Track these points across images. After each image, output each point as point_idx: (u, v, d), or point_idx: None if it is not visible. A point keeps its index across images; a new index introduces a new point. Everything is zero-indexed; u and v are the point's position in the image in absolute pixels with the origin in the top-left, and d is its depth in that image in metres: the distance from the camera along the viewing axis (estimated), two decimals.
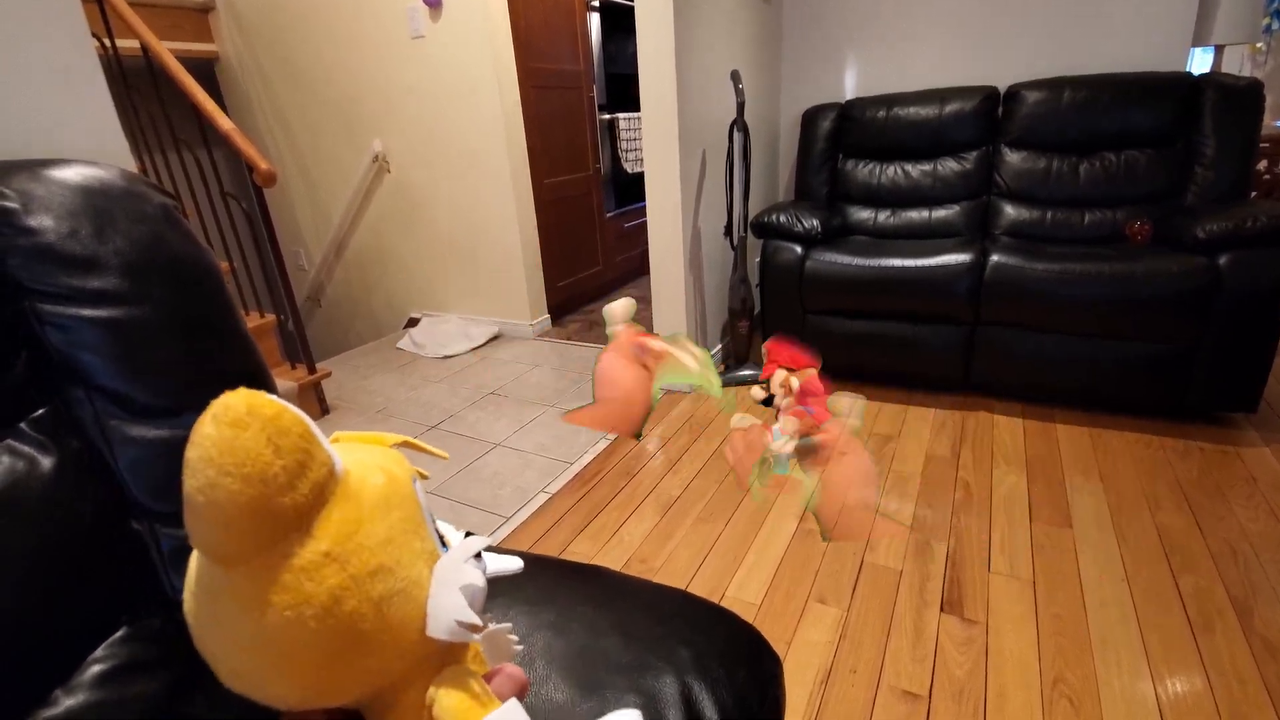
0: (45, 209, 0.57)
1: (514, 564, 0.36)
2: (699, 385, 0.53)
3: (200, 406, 0.64)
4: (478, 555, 0.36)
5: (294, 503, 0.27)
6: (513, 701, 0.33)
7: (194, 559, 0.29)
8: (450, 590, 0.32)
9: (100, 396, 0.58)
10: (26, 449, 0.54)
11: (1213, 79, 2.09)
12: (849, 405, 0.52)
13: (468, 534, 0.39)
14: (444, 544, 0.36)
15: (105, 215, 0.60)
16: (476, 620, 0.31)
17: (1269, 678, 1.11)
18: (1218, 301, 1.73)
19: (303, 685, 0.29)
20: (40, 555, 0.52)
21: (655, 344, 0.54)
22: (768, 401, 0.55)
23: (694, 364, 0.53)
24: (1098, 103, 2.19)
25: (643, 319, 3.23)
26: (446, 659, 0.34)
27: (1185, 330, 1.79)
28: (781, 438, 0.53)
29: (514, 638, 0.37)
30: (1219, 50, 2.48)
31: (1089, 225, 2.21)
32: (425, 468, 0.39)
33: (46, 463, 0.54)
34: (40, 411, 0.56)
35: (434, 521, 0.35)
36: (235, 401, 0.26)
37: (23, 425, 0.55)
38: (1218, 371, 1.79)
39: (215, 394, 0.64)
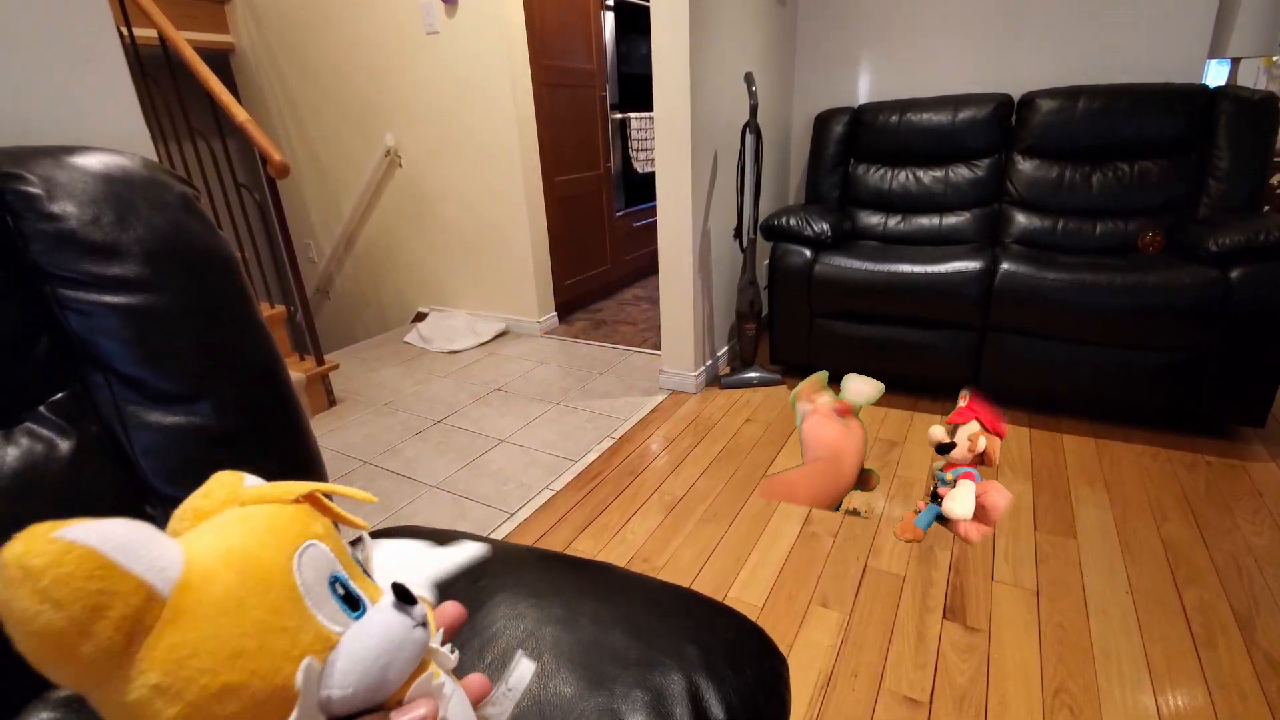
0: (68, 195, 0.58)
1: (478, 550, 0.35)
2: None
3: (215, 394, 0.65)
4: (408, 601, 0.33)
5: (96, 648, 0.25)
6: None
7: None
8: (309, 712, 0.29)
9: (118, 381, 0.59)
10: (46, 432, 0.54)
11: (1228, 91, 2.08)
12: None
13: (396, 586, 0.37)
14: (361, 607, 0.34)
15: (126, 203, 0.60)
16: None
17: (1270, 693, 1.10)
18: (1228, 314, 1.72)
19: None
20: None
21: (840, 402, 0.53)
22: (945, 448, 0.53)
23: (871, 389, 0.53)
24: (1112, 112, 2.18)
25: (649, 319, 3.23)
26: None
27: (1194, 342, 1.78)
28: (957, 499, 0.51)
29: (453, 656, 0.36)
30: (1235, 63, 2.47)
31: (1100, 235, 2.20)
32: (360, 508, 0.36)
33: (65, 446, 0.55)
34: (60, 395, 0.57)
35: (341, 584, 0.33)
36: (6, 557, 0.24)
37: (42, 408, 0.55)
38: (1226, 385, 1.79)
39: (229, 382, 0.65)
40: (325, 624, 0.31)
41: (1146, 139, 2.16)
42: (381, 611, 0.33)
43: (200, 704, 0.26)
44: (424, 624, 0.33)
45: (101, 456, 0.58)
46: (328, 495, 0.37)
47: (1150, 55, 2.30)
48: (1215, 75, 2.46)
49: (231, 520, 0.32)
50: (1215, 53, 2.31)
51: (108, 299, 0.58)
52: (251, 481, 0.36)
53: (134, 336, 0.59)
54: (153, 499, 0.61)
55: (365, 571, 0.36)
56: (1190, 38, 2.25)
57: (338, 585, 0.33)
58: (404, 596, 0.33)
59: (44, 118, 0.72)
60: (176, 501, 0.63)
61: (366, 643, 0.31)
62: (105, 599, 0.25)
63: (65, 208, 0.57)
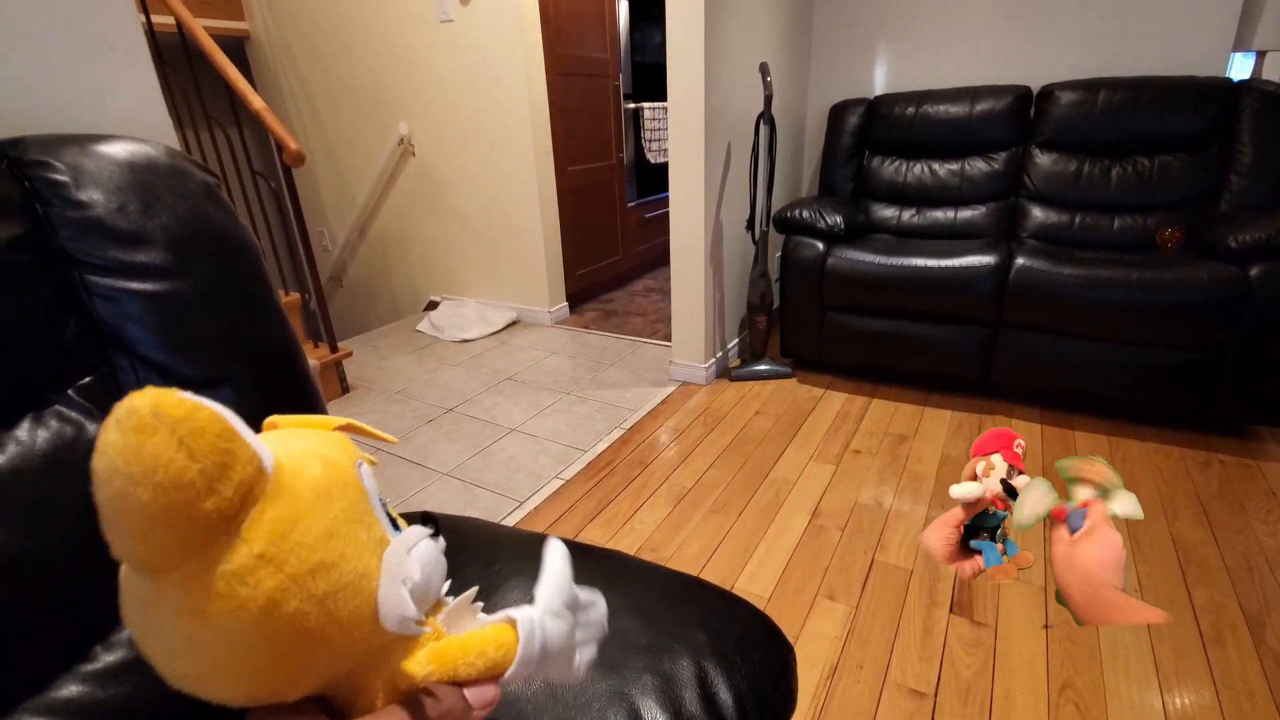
0: (95, 183, 0.59)
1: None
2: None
3: (237, 378, 0.66)
4: (434, 534, 0.35)
5: (217, 507, 0.25)
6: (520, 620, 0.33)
7: (122, 567, 0.28)
8: (393, 584, 0.31)
9: (144, 366, 0.60)
10: (74, 415, 0.56)
11: (1253, 85, 2.04)
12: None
13: (426, 515, 0.38)
14: (397, 528, 0.34)
15: (152, 191, 0.62)
16: (416, 615, 0.31)
17: (1279, 694, 1.10)
18: (1246, 312, 1.70)
19: (250, 685, 0.27)
20: (84, 518, 0.54)
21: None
22: (1010, 491, 0.51)
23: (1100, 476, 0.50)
24: (1133, 106, 2.15)
25: (660, 310, 3.23)
26: (411, 641, 0.32)
27: (1212, 340, 1.76)
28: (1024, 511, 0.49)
29: (478, 604, 0.35)
30: (1260, 56, 2.42)
31: (1119, 230, 2.18)
32: (380, 451, 0.37)
33: (93, 429, 0.56)
34: (87, 379, 0.58)
35: (384, 507, 0.34)
36: (140, 404, 0.24)
37: (71, 392, 0.57)
38: (1243, 383, 1.77)
39: (249, 368, 0.66)
40: (386, 529, 0.33)
41: (1168, 133, 2.13)
42: (419, 535, 0.34)
43: (298, 577, 0.27)
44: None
45: None
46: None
47: (1173, 48, 2.26)
48: (1240, 68, 2.42)
49: (288, 434, 0.34)
50: (1240, 45, 2.27)
51: (133, 285, 0.59)
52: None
53: (158, 322, 0.60)
54: None
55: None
56: (1215, 30, 2.21)
57: (383, 504, 0.35)
58: (433, 525, 0.36)
59: (70, 106, 0.73)
60: None
61: (422, 547, 0.33)
62: (230, 459, 0.26)
63: (92, 195, 0.58)
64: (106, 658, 0.55)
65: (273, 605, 0.26)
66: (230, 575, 0.26)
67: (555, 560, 0.36)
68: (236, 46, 3.33)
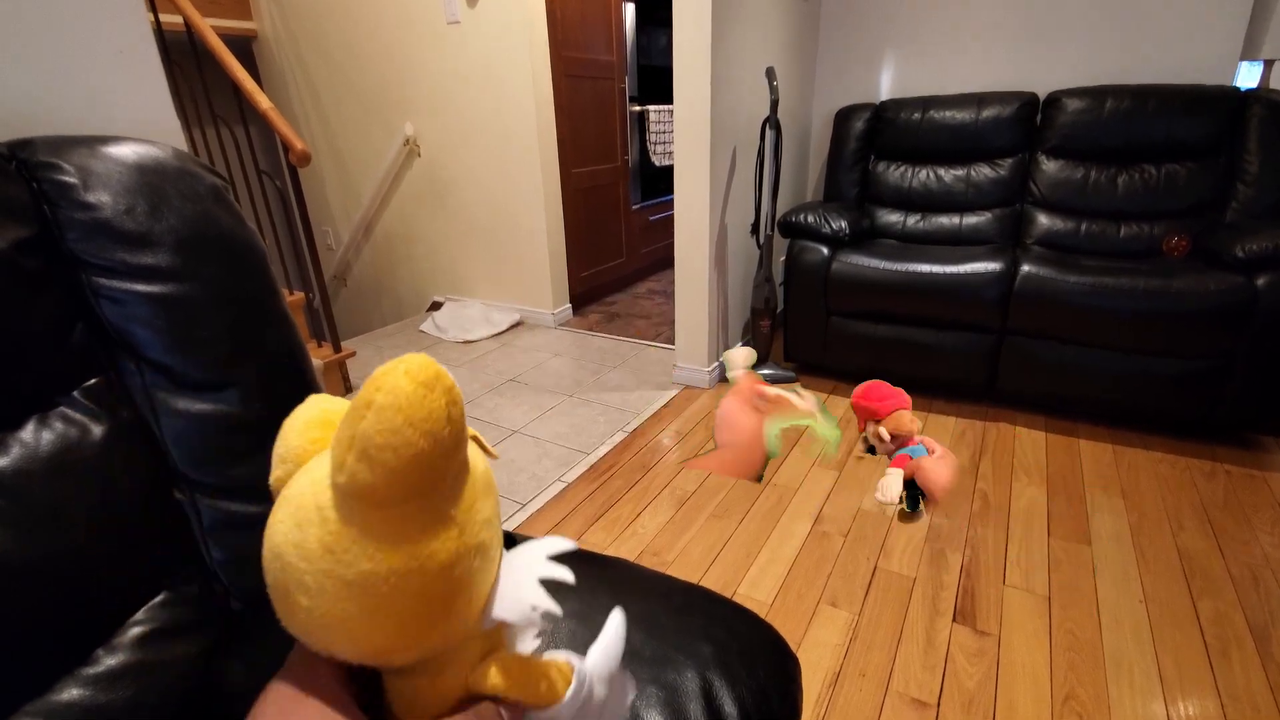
0: (103, 185, 0.59)
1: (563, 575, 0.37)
2: (813, 429, 0.54)
3: (242, 382, 0.66)
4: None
5: (448, 467, 0.29)
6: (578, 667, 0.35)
7: (308, 493, 0.30)
8: (530, 579, 0.34)
9: (149, 369, 0.60)
10: (79, 416, 0.56)
11: (1260, 94, 2.04)
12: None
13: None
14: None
15: (159, 193, 0.61)
16: (557, 608, 0.33)
17: None
18: (1253, 322, 1.70)
19: (388, 636, 0.30)
20: (89, 520, 0.54)
21: (771, 391, 0.54)
22: (871, 450, 0.55)
23: (806, 406, 0.55)
24: (1141, 113, 2.15)
25: (664, 313, 3.23)
26: (486, 642, 0.35)
27: (1218, 349, 1.75)
28: (892, 488, 0.53)
29: (538, 639, 0.38)
30: (1268, 65, 2.41)
31: (1125, 238, 2.17)
32: None
33: (98, 431, 0.56)
34: (93, 381, 0.58)
35: None
36: (427, 364, 0.29)
37: (76, 393, 0.57)
38: (1249, 393, 1.76)
39: (255, 371, 0.66)
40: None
41: (1175, 141, 2.13)
42: (556, 543, 0.36)
43: (470, 547, 0.31)
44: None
45: (133, 441, 0.59)
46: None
47: (1180, 56, 2.26)
48: (1247, 77, 2.41)
49: None
50: (1248, 54, 2.26)
51: (140, 287, 0.59)
52: None
53: (165, 325, 0.60)
54: (181, 484, 0.62)
55: None
56: (1222, 38, 2.20)
57: None
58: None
59: (79, 108, 0.73)
60: (203, 487, 0.64)
61: (543, 560, 0.35)
62: (464, 434, 0.30)
63: (100, 197, 0.58)
64: (108, 661, 0.55)
65: (450, 564, 0.30)
66: (432, 527, 0.29)
67: (615, 629, 0.37)
68: (244, 46, 3.34)
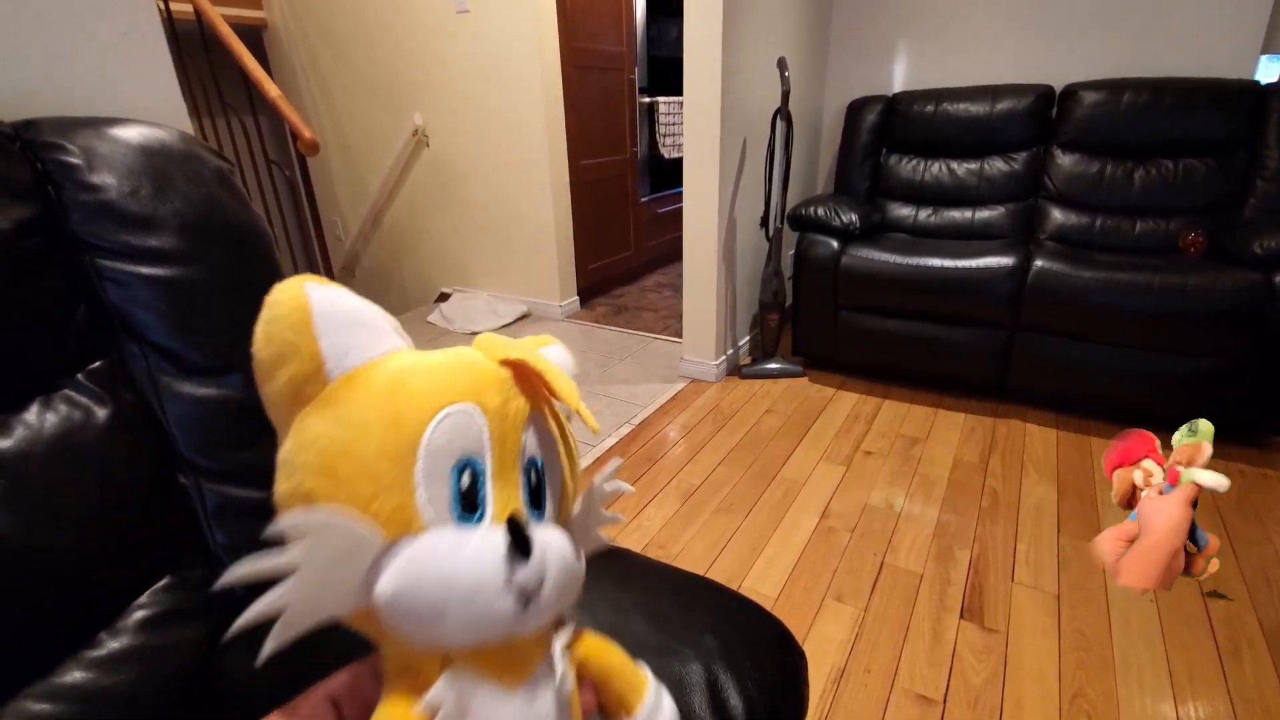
0: (108, 167, 0.59)
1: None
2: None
3: (245, 367, 0.66)
4: (520, 549, 0.29)
5: (276, 391, 0.28)
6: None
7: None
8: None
9: (153, 352, 0.60)
10: (83, 399, 0.55)
11: None
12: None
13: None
14: None
15: (164, 176, 0.61)
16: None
17: None
18: (1269, 321, 1.67)
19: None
20: (92, 502, 0.54)
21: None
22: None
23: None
24: (1158, 107, 2.11)
25: (671, 306, 3.22)
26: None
27: (1234, 348, 1.73)
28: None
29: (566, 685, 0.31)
30: None
31: (1140, 234, 2.14)
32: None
33: (101, 414, 0.56)
34: (97, 364, 0.58)
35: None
36: (274, 290, 0.28)
37: (80, 376, 0.56)
38: (1264, 393, 1.73)
39: None
40: (418, 503, 0.25)
41: (1193, 136, 2.09)
42: (483, 541, 0.25)
43: (295, 494, 0.26)
44: (527, 598, 0.26)
45: (136, 424, 0.59)
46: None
47: (1200, 49, 2.22)
48: (1268, 72, 2.37)
49: (452, 350, 0.31)
50: (1270, 48, 2.22)
51: (144, 270, 0.58)
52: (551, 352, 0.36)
53: (168, 308, 0.60)
54: (184, 467, 0.62)
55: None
56: (1243, 32, 2.16)
57: (465, 473, 0.27)
58: (519, 541, 0.26)
59: (85, 90, 0.73)
60: (207, 471, 0.64)
61: (433, 561, 0.25)
62: (289, 352, 0.27)
63: (105, 179, 0.58)
64: (112, 644, 0.55)
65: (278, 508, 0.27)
66: (280, 461, 0.27)
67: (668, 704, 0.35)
68: (254, 35, 3.34)
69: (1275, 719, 1.07)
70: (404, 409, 0.26)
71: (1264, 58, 2.23)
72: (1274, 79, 2.19)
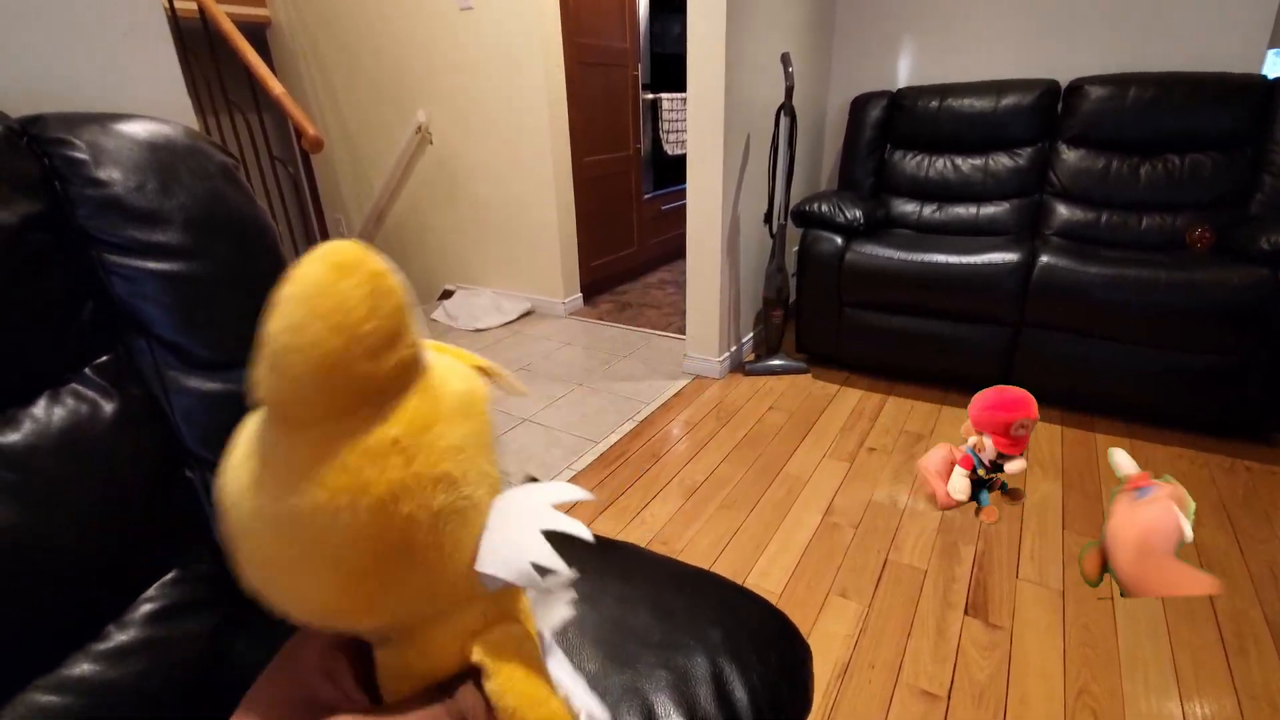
0: (114, 162, 0.59)
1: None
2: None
3: (251, 362, 0.66)
4: None
5: (375, 373, 0.24)
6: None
7: (246, 424, 0.26)
8: (527, 529, 0.28)
9: (160, 346, 0.60)
10: (90, 393, 0.56)
11: None
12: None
13: (530, 479, 0.37)
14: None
15: (170, 171, 0.61)
16: (562, 566, 0.27)
17: None
18: (1277, 317, 1.66)
19: (335, 589, 0.25)
20: (100, 496, 0.54)
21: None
22: (997, 468, 0.51)
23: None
24: (1165, 102, 2.10)
25: (674, 303, 3.21)
26: (494, 610, 0.29)
27: (1241, 344, 1.72)
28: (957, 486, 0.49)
29: (570, 595, 0.32)
30: None
31: (1146, 229, 2.13)
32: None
33: (109, 408, 0.56)
34: (104, 358, 0.58)
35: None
36: (345, 247, 0.23)
37: (87, 370, 0.57)
38: (1272, 389, 1.72)
39: None
40: (499, 472, 0.30)
41: (1199, 131, 2.08)
42: (563, 490, 0.31)
43: (421, 479, 0.25)
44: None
45: (143, 419, 0.59)
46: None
47: (1207, 44, 2.20)
48: (1275, 66, 2.35)
49: (442, 352, 0.32)
50: (1277, 43, 2.20)
51: (150, 265, 0.59)
52: None
53: (175, 302, 0.60)
54: (191, 461, 0.62)
55: None
56: (1250, 26, 2.14)
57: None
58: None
59: (91, 86, 0.73)
60: (213, 465, 0.64)
61: (548, 508, 0.29)
62: (401, 333, 0.25)
63: (111, 174, 0.58)
64: (119, 637, 0.56)
65: (392, 499, 0.24)
66: (362, 450, 0.24)
67: None
68: (258, 33, 3.34)
69: None
70: (479, 401, 0.31)
71: (1271, 52, 2.22)
72: None
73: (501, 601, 0.30)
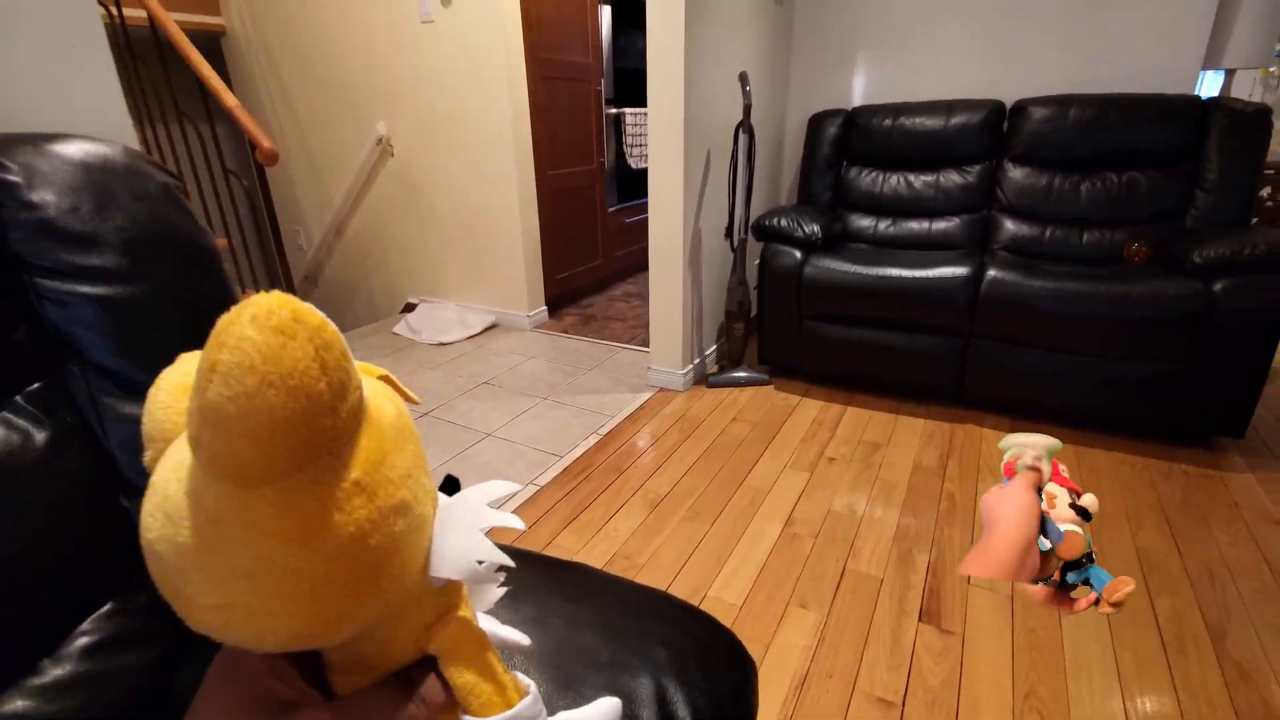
0: (47, 184, 0.57)
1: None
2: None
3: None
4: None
5: (334, 425, 0.25)
6: (534, 691, 0.33)
7: (173, 479, 0.26)
8: (470, 530, 0.30)
9: (95, 373, 0.59)
10: (21, 422, 0.54)
11: (1221, 103, 2.10)
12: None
13: (450, 479, 0.38)
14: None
15: (106, 192, 0.60)
16: (505, 559, 0.30)
17: (1239, 703, 1.12)
18: (1211, 327, 1.75)
19: (306, 621, 0.26)
20: (31, 527, 0.52)
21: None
22: (1084, 514, 0.49)
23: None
24: (1104, 122, 2.20)
25: (639, 316, 3.23)
26: (441, 601, 0.32)
27: (1178, 353, 1.80)
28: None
29: (500, 575, 0.35)
30: (1230, 74, 2.49)
31: (1088, 244, 2.22)
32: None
33: (40, 436, 0.54)
34: (36, 385, 0.56)
35: None
36: (279, 305, 0.23)
37: (18, 398, 0.55)
38: (1208, 396, 1.81)
39: None
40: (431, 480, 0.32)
41: (1137, 149, 2.18)
42: (497, 488, 0.34)
43: (385, 510, 0.26)
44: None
45: (78, 447, 0.57)
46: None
47: (1145, 64, 2.31)
48: (1210, 86, 2.48)
49: (379, 388, 0.33)
50: (1210, 63, 2.32)
51: (85, 289, 0.57)
52: None
53: (112, 327, 0.58)
54: (128, 491, 0.61)
55: None
56: (1186, 47, 2.26)
57: None
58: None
59: (26, 104, 0.71)
60: None
61: (483, 508, 0.32)
62: (349, 380, 0.25)
63: (44, 196, 0.57)
64: (55, 671, 0.54)
65: (361, 536, 0.25)
66: (329, 499, 0.25)
67: (602, 712, 0.35)
68: (212, 42, 3.28)
69: (1220, 712, 1.11)
70: (409, 421, 0.32)
71: (1205, 72, 2.34)
72: (1215, 93, 2.30)
73: (446, 592, 0.32)
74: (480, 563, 0.29)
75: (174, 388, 0.30)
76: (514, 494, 0.34)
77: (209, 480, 0.24)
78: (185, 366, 0.32)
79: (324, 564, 0.25)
